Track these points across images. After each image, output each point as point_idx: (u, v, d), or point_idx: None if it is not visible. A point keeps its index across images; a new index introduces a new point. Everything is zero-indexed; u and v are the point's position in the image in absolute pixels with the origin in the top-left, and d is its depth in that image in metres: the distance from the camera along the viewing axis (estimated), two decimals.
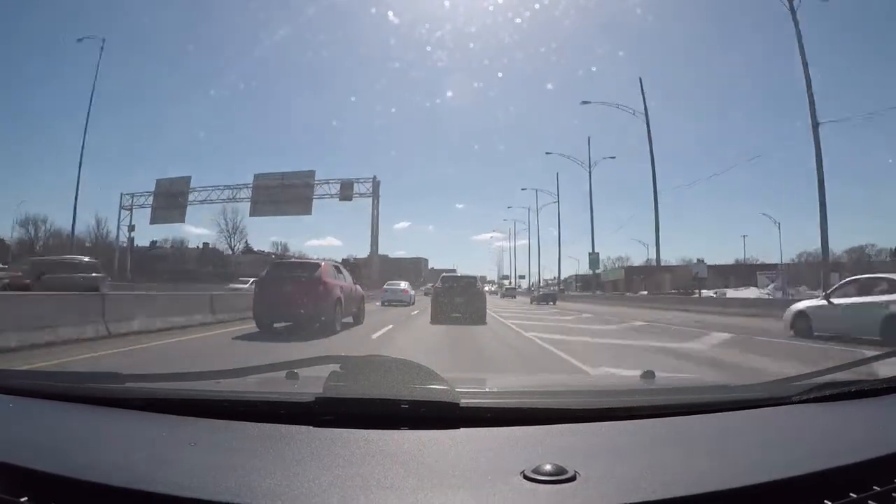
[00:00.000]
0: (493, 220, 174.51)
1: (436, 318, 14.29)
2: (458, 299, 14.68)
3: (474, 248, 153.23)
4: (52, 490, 0.84)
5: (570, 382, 2.50)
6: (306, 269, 11.13)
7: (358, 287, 13.37)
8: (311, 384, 1.30)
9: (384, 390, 1.14)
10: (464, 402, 1.08)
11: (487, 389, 1.74)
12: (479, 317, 14.25)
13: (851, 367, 1.45)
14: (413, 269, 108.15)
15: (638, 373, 1.73)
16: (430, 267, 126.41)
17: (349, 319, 12.33)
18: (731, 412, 1.20)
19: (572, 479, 0.82)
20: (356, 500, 0.79)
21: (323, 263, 11.67)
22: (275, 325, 10.66)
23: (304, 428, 1.04)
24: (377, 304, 24.73)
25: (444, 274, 17.56)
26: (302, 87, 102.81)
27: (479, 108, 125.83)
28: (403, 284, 28.21)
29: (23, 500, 0.83)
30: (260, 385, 1.51)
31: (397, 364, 1.25)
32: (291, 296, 10.04)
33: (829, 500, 0.82)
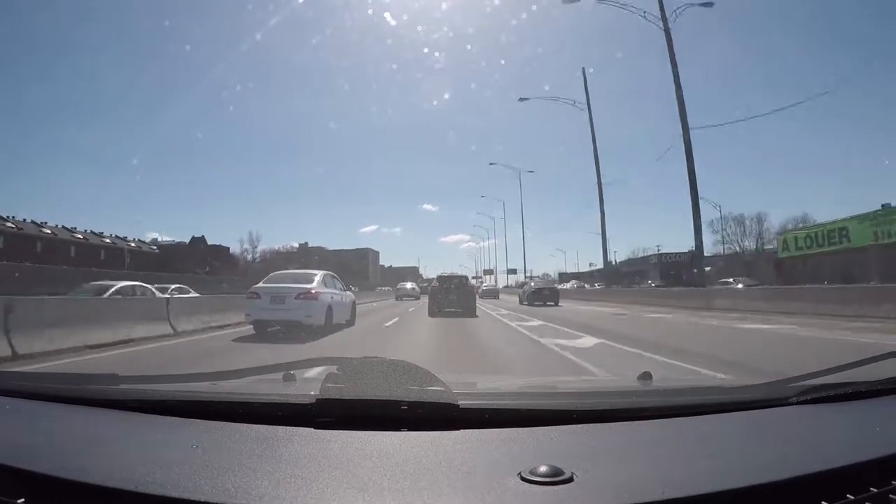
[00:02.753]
0: (463, 222, 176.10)
1: (433, 312, 16.92)
2: (452, 296, 17.60)
3: (443, 249, 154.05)
4: (48, 491, 0.83)
5: (568, 384, 2.51)
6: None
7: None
8: (309, 386, 1.30)
9: (382, 392, 1.13)
10: (462, 403, 1.08)
11: (485, 391, 1.73)
12: (470, 310, 17.17)
13: (849, 369, 1.45)
14: (357, 264, 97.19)
15: (635, 374, 1.73)
16: (386, 265, 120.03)
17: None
18: (728, 413, 1.21)
19: (569, 480, 0.82)
20: (354, 502, 0.78)
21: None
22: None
23: (302, 429, 1.04)
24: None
25: (440, 274, 20.23)
26: (260, 86, 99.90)
27: (453, 112, 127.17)
28: (316, 280, 11.29)
29: (20, 501, 0.82)
30: (257, 386, 1.49)
31: (394, 365, 1.24)
32: None
33: (827, 502, 0.82)
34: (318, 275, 11.80)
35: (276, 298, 10.45)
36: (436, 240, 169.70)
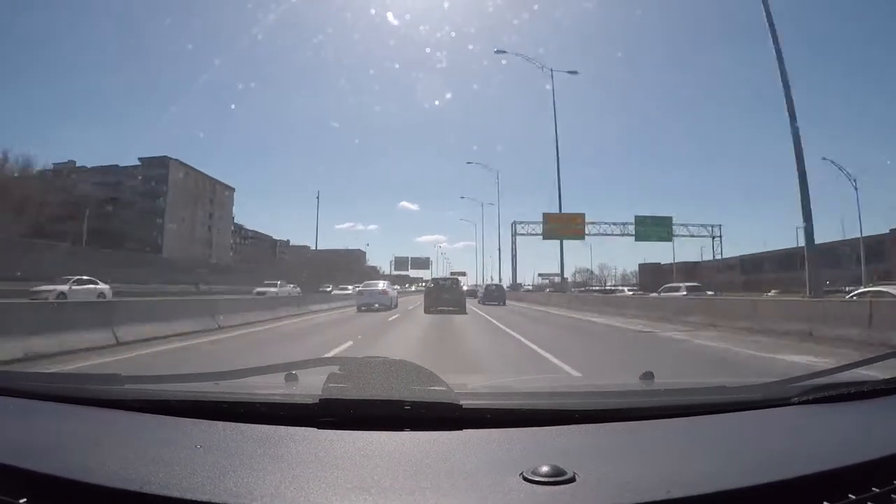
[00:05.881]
0: (442, 222, 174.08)
1: (428, 309, 20.02)
2: (445, 295, 21.01)
3: (421, 248, 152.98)
4: (50, 491, 0.83)
5: (570, 384, 2.51)
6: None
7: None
8: (311, 386, 1.30)
9: (384, 392, 1.13)
10: (465, 403, 1.08)
11: (487, 391, 1.73)
12: (461, 308, 20.42)
13: (851, 368, 1.45)
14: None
15: (637, 374, 1.73)
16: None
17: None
18: (730, 413, 1.21)
19: (571, 480, 0.82)
20: (357, 502, 0.78)
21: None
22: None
23: (304, 429, 1.04)
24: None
25: (434, 277, 27.86)
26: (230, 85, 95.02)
27: (444, 112, 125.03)
28: (384, 285, 25.12)
29: (22, 501, 0.82)
30: (259, 387, 1.49)
31: (396, 365, 1.24)
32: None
33: (828, 502, 0.82)
34: (384, 282, 25.49)
35: (370, 294, 21.95)
36: (412, 239, 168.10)
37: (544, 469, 0.83)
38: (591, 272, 76.88)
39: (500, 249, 50.42)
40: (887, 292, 12.56)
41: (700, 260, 59.55)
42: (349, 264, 78.73)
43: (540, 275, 73.42)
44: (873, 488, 0.86)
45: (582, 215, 38.20)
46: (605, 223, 41.62)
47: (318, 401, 1.08)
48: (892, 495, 0.86)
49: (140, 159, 56.14)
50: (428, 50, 71.96)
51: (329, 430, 1.03)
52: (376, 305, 21.18)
